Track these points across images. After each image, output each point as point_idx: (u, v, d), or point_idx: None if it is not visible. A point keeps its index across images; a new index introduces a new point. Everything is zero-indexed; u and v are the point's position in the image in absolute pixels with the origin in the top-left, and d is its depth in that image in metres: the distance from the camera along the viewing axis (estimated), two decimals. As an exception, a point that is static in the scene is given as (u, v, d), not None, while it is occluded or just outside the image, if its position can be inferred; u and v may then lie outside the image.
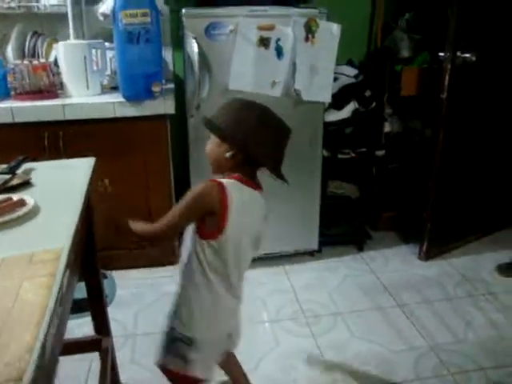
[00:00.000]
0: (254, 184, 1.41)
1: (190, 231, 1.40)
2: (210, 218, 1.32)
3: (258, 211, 1.44)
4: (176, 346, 1.44)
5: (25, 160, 1.55)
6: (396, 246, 3.09)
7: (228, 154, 1.34)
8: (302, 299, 2.53)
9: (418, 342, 2.22)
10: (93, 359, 2.04)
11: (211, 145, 1.39)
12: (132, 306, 2.48)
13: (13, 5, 2.49)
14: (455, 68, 2.54)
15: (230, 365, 1.77)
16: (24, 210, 1.21)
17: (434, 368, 2.07)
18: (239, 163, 1.36)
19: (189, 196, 1.33)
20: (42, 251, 1.01)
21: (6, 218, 1.17)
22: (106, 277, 2.64)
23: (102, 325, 1.83)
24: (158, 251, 2.72)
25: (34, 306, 0.83)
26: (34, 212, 1.22)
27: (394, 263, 2.90)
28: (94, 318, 1.82)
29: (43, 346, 0.73)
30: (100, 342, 1.81)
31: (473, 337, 2.26)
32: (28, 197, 1.27)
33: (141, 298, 2.53)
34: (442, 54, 2.59)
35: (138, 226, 1.41)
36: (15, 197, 1.28)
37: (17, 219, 1.17)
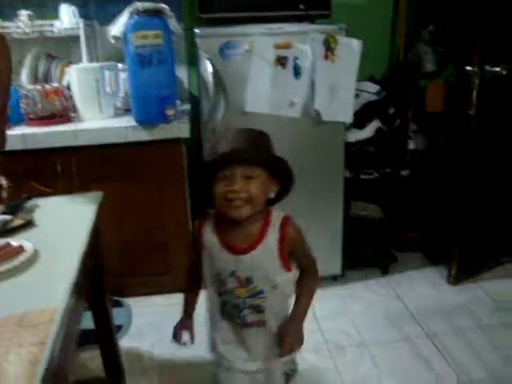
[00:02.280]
0: None
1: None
2: None
3: None
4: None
5: (28, 199, 1.48)
6: (423, 268, 2.94)
7: (274, 190, 1.27)
8: (325, 329, 2.41)
9: (450, 378, 2.08)
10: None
11: (257, 184, 1.20)
12: (149, 336, 2.38)
13: (27, 30, 2.44)
14: (484, 83, 2.41)
15: None
16: (21, 258, 1.13)
17: (467, 406, 1.93)
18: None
19: (303, 236, 1.32)
20: (34, 312, 0.92)
21: (2, 268, 1.09)
22: (121, 305, 2.57)
23: (111, 361, 1.76)
24: (173, 277, 2.64)
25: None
26: (32, 260, 1.14)
27: (421, 287, 2.75)
28: (103, 353, 1.74)
29: None
30: (110, 382, 1.73)
31: (510, 371, 2.10)
32: (27, 243, 1.19)
33: (159, 328, 2.43)
34: (469, 68, 2.46)
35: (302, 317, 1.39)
36: (14, 242, 1.20)
37: (13, 270, 1.09)
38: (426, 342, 2.30)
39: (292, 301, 1.39)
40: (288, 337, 1.35)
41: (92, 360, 1.97)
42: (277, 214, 1.30)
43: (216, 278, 1.30)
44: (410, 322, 2.45)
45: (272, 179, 1.24)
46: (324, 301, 2.63)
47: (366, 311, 2.55)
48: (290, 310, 1.40)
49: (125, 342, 2.30)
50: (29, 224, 1.34)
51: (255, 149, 1.21)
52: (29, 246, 1.17)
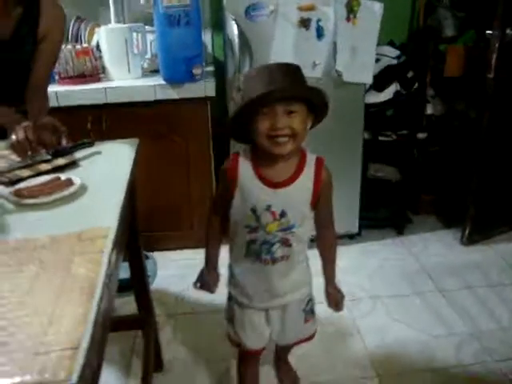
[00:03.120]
0: None
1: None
2: None
3: None
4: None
5: (90, 144, 1.59)
6: (437, 230, 3.03)
7: (310, 124, 1.29)
8: (342, 281, 2.49)
9: (460, 328, 2.19)
10: (136, 336, 2.11)
11: (299, 119, 1.22)
12: (173, 286, 2.52)
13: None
14: (504, 46, 2.45)
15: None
16: (71, 189, 1.24)
17: (475, 354, 2.03)
18: None
19: (331, 182, 1.39)
20: (90, 229, 1.04)
21: (55, 196, 1.20)
22: (147, 258, 2.70)
23: (145, 304, 1.87)
24: (196, 233, 2.76)
25: (86, 280, 0.85)
26: (81, 192, 1.25)
27: (435, 248, 2.85)
28: (138, 298, 1.86)
29: (96, 319, 0.76)
30: (144, 321, 1.86)
31: (518, 324, 2.21)
32: (75, 177, 1.30)
33: (182, 280, 2.57)
34: (489, 31, 2.50)
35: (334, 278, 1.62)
36: (63, 176, 1.32)
37: (65, 198, 1.21)
38: (438, 296, 2.41)
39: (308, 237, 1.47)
40: (332, 299, 1.59)
41: (126, 304, 2.10)
42: (311, 155, 1.35)
43: (249, 214, 1.33)
44: (423, 278, 2.55)
45: (309, 113, 1.26)
46: (341, 257, 2.68)
47: (381, 267, 2.66)
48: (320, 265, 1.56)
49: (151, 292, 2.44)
50: (73, 164, 1.45)
51: (294, 84, 1.21)
52: (77, 180, 1.28)
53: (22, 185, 1.28)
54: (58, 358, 0.68)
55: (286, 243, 1.37)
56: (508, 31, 2.45)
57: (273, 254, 1.38)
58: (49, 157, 1.45)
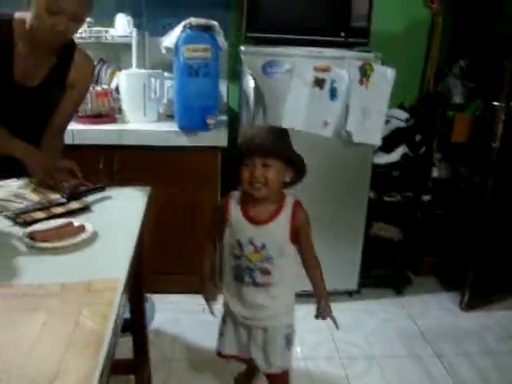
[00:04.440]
0: None
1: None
2: None
3: None
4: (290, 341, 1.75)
5: (102, 189, 1.64)
6: (436, 292, 3.03)
7: (288, 177, 1.57)
8: (338, 339, 2.52)
9: (455, 396, 2.17)
10: (129, 381, 2.09)
11: (273, 171, 1.50)
12: (170, 330, 2.52)
13: (84, 35, 2.63)
14: (509, 118, 2.53)
15: None
16: (83, 236, 1.27)
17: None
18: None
19: (308, 221, 1.62)
20: (99, 281, 1.06)
21: (68, 242, 1.24)
22: (146, 300, 2.70)
23: (141, 348, 1.88)
24: (197, 278, 2.77)
25: (93, 333, 0.88)
26: (92, 238, 1.28)
27: (434, 311, 2.84)
28: (135, 341, 1.87)
29: (102, 375, 0.78)
30: (138, 365, 1.86)
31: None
32: (88, 223, 1.34)
33: (179, 323, 2.57)
34: (496, 103, 2.58)
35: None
36: (76, 222, 1.35)
37: (77, 244, 1.24)
38: (434, 361, 2.39)
39: (293, 271, 1.69)
40: (322, 312, 1.75)
41: (119, 345, 2.09)
42: (290, 199, 1.61)
43: (235, 245, 1.60)
44: (420, 341, 2.54)
45: (287, 166, 1.54)
46: (339, 314, 2.70)
47: (378, 327, 2.65)
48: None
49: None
50: (86, 208, 1.49)
51: (272, 142, 1.49)
52: (89, 226, 1.32)
53: (36, 227, 1.32)
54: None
55: (265, 272, 1.60)
56: (514, 104, 2.53)
57: (254, 279, 1.61)
58: (64, 200, 1.50)
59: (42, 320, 0.92)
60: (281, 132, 1.57)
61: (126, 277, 1.10)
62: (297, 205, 1.61)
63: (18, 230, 1.30)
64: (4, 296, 1.00)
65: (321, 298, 1.74)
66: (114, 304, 0.97)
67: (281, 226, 1.58)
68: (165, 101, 2.80)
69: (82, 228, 1.31)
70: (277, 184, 1.54)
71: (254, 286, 1.63)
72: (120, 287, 1.04)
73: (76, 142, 2.48)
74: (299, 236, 1.62)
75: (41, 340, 0.86)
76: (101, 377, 0.77)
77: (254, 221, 1.58)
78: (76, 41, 1.83)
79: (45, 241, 1.24)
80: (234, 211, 1.61)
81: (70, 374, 0.78)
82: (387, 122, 2.71)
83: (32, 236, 1.26)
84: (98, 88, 2.63)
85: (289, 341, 1.74)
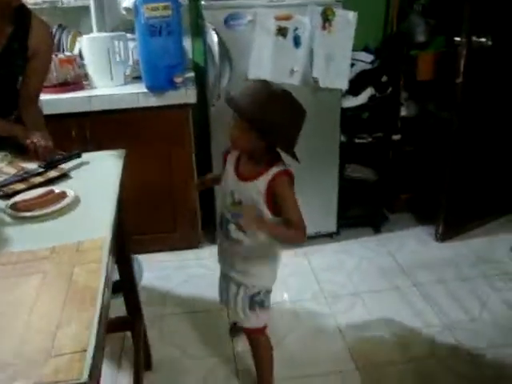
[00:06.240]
0: None
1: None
2: None
3: None
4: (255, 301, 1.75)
5: (77, 155, 1.65)
6: (412, 227, 3.16)
7: (257, 140, 1.49)
8: (322, 280, 2.63)
9: (434, 321, 2.31)
10: (125, 337, 2.18)
11: (237, 131, 1.50)
12: (159, 287, 2.60)
13: (39, 0, 2.57)
14: (471, 53, 2.57)
15: None
16: (66, 201, 1.31)
17: (449, 346, 2.16)
18: (266, 148, 1.53)
19: (289, 190, 1.56)
20: (86, 241, 1.12)
21: (51, 209, 1.28)
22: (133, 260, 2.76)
23: (133, 306, 1.95)
24: (181, 235, 2.84)
25: (87, 288, 0.94)
26: (74, 203, 1.32)
27: (411, 244, 2.97)
28: (126, 300, 1.94)
29: (99, 323, 0.84)
30: (133, 322, 1.93)
31: (487, 316, 2.34)
32: (68, 189, 1.38)
33: (168, 280, 2.65)
34: (457, 38, 2.62)
35: (269, 225, 1.58)
36: (57, 189, 1.39)
37: (60, 210, 1.28)
38: (414, 291, 2.53)
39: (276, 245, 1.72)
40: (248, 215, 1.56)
41: (114, 306, 2.17)
42: (276, 169, 1.55)
43: (224, 193, 1.67)
44: (400, 275, 2.67)
45: (252, 131, 1.46)
46: (320, 255, 2.86)
47: (360, 265, 2.77)
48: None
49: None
50: (65, 176, 1.53)
51: (242, 101, 1.46)
52: (70, 192, 1.36)
53: (17, 198, 1.35)
54: (69, 360, 0.76)
55: (240, 228, 1.62)
56: (474, 38, 2.57)
57: (229, 231, 1.66)
58: (41, 169, 1.52)
59: (38, 282, 0.98)
60: (270, 96, 1.46)
61: (111, 235, 1.15)
62: (280, 173, 1.54)
63: (0, 203, 1.33)
64: (-4, 264, 1.05)
65: (263, 220, 1.57)
66: (103, 260, 1.03)
67: (257, 187, 1.55)
68: (130, 62, 2.78)
69: (63, 194, 1.35)
70: (246, 144, 1.52)
71: (227, 239, 1.68)
72: (106, 244, 1.10)
73: (46, 112, 2.45)
74: (278, 206, 1.56)
75: (39, 300, 0.92)
76: (99, 325, 0.83)
77: (239, 176, 1.61)
78: (30, 7, 1.82)
79: (28, 210, 1.28)
80: (229, 163, 1.67)
81: (71, 324, 0.84)
82: (353, 65, 2.74)
83: (15, 207, 1.29)
84: (61, 55, 2.60)
85: (254, 303, 1.73)
